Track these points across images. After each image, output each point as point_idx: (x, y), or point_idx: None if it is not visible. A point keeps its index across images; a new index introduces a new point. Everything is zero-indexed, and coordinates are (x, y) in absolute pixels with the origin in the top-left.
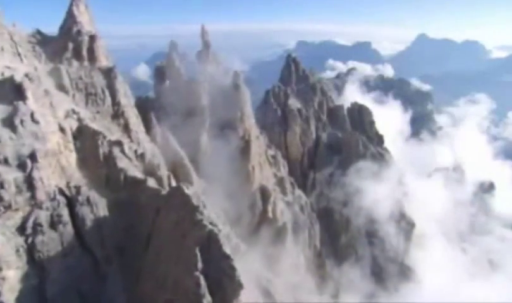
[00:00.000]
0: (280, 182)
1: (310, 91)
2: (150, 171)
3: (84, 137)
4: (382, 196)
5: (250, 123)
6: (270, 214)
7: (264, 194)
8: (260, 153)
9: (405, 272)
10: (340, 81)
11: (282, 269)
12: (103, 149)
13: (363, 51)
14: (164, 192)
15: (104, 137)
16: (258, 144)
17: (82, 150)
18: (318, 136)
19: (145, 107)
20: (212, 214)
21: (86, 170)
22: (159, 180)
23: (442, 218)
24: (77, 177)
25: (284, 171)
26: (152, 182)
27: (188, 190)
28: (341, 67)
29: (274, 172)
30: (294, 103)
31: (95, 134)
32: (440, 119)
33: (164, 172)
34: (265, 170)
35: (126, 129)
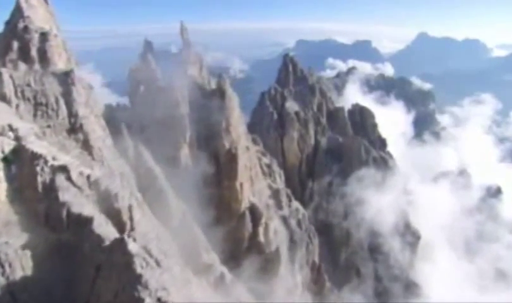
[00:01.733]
0: (275, 195)
1: (308, 93)
2: (106, 202)
3: (20, 162)
4: (385, 207)
5: (238, 133)
6: (261, 238)
7: (254, 214)
8: (252, 166)
9: (411, 288)
10: (340, 81)
11: (276, 296)
12: (43, 178)
13: (363, 50)
14: (106, 242)
15: (46, 161)
16: (248, 156)
17: (17, 178)
18: (317, 140)
19: (115, 117)
20: (165, 277)
21: (21, 204)
22: (116, 215)
23: (448, 225)
24: (5, 214)
25: (280, 181)
26: (101, 221)
27: (132, 246)
28: (341, 65)
29: (269, 183)
30: (291, 105)
31: (34, 157)
32: (443, 119)
33: (123, 203)
34: (257, 183)
35: (86, 145)
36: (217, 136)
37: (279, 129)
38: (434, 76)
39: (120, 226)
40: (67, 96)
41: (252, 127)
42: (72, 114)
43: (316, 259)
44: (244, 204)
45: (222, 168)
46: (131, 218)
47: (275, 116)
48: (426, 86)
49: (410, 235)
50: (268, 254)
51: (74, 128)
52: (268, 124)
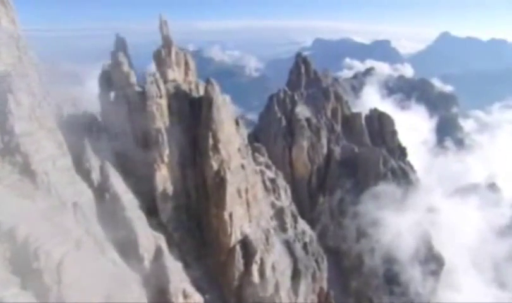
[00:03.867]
0: (278, 214)
1: (321, 97)
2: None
3: None
4: (405, 229)
5: (230, 151)
6: (255, 279)
7: (247, 250)
8: (249, 187)
9: None
10: (357, 82)
11: None
12: None
13: (381, 50)
14: None
15: None
16: (245, 176)
17: None
18: (330, 150)
19: (78, 130)
20: None
21: None
22: (37, 276)
23: (475, 247)
24: None
25: (285, 198)
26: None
27: None
28: (359, 66)
29: (272, 200)
30: (302, 110)
31: None
32: (466, 125)
33: (49, 261)
34: (256, 206)
35: (26, 170)
36: (203, 155)
37: (288, 136)
38: (456, 78)
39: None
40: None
41: (258, 134)
42: (6, 131)
43: (325, 285)
44: (235, 238)
45: (209, 193)
46: (58, 281)
47: (284, 122)
48: (448, 88)
49: (433, 262)
50: (264, 299)
51: (10, 149)
52: (275, 130)
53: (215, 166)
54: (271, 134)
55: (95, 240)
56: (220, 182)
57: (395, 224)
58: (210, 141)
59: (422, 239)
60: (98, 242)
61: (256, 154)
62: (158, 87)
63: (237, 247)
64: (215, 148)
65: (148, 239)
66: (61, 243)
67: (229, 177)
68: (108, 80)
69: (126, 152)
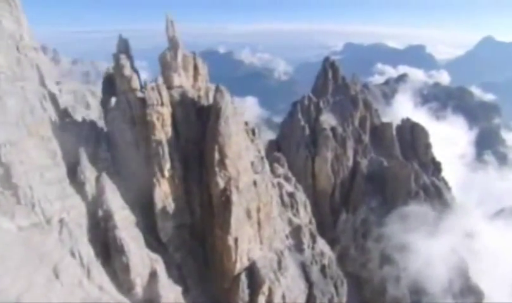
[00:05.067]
0: (295, 233)
1: (349, 104)
2: None
3: None
4: (437, 255)
5: (239, 167)
6: None
7: (253, 279)
8: (262, 206)
9: None
10: (389, 88)
11: None
12: None
13: (416, 55)
14: None
15: None
16: (257, 194)
17: None
18: (356, 162)
19: (76, 138)
20: None
21: None
22: None
23: None
24: None
25: (304, 214)
26: None
27: None
28: (391, 71)
29: (290, 217)
30: (327, 119)
31: None
32: (510, 137)
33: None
34: (268, 226)
35: (7, 183)
36: (209, 171)
37: (311, 146)
38: (498, 86)
39: None
40: None
41: (280, 142)
42: None
43: None
44: (241, 265)
45: (215, 212)
46: None
47: (307, 131)
48: (489, 96)
49: (470, 295)
50: None
51: None
52: (298, 139)
53: (221, 184)
54: (293, 143)
55: (80, 262)
56: (226, 202)
57: (426, 250)
58: (216, 156)
59: (457, 268)
60: (84, 264)
61: (276, 165)
62: (159, 94)
63: (243, 276)
64: (222, 164)
65: (143, 262)
66: (31, 273)
67: (235, 198)
68: (112, 84)
69: (127, 163)
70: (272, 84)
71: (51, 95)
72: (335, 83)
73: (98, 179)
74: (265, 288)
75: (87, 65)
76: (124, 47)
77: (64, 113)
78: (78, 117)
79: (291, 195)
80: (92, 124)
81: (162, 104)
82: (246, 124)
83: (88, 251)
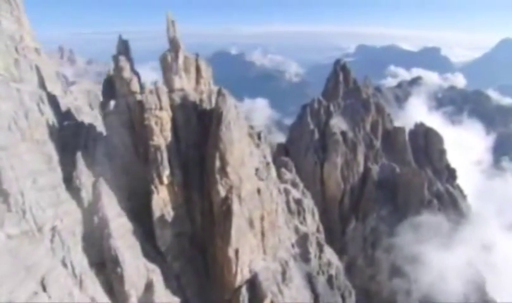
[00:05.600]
0: (302, 242)
1: (360, 108)
2: None
3: None
4: (451, 268)
5: (242, 174)
6: None
7: (255, 292)
8: (266, 214)
9: None
10: (402, 91)
11: None
12: None
13: (430, 57)
14: None
15: None
16: (260, 202)
17: None
18: (366, 168)
19: (69, 142)
20: None
21: None
22: None
23: None
24: None
25: (311, 222)
26: None
27: None
28: (404, 74)
29: (296, 225)
30: (338, 123)
31: None
32: None
33: None
34: (273, 236)
35: None
36: (210, 178)
37: (320, 151)
38: None
39: None
40: None
41: (288, 146)
42: None
43: None
44: (241, 277)
45: (216, 221)
46: None
47: (317, 135)
48: (507, 100)
49: None
50: None
51: None
52: (307, 143)
53: (222, 192)
54: (302, 147)
55: (72, 272)
56: (227, 212)
57: (439, 262)
58: (217, 163)
59: (473, 282)
60: (76, 274)
61: (283, 170)
62: (158, 97)
63: (243, 290)
64: (223, 171)
65: (139, 272)
66: (15, 286)
67: (236, 207)
68: (112, 87)
69: (126, 168)
70: (283, 85)
71: (51, 97)
72: (346, 86)
73: (94, 185)
74: (267, 301)
75: (101, 66)
76: (123, 49)
77: (65, 116)
78: (86, 118)
79: (298, 202)
80: (91, 127)
81: (161, 108)
82: (251, 128)
83: (81, 260)
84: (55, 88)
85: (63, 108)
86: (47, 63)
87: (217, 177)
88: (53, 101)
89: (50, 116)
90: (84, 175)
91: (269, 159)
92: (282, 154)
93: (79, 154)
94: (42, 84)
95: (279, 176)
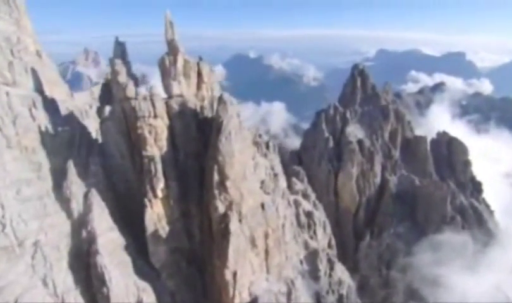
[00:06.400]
0: (311, 258)
1: (379, 115)
2: None
3: None
4: (476, 293)
5: (244, 188)
6: None
7: None
8: (271, 231)
9: None
10: (423, 98)
11: None
12: None
13: (454, 62)
14: None
15: None
16: (264, 218)
17: None
18: (384, 180)
19: (62, 150)
20: None
21: None
22: None
23: None
24: None
25: (322, 236)
26: None
27: None
28: (426, 79)
29: (305, 239)
30: (354, 131)
31: None
32: None
33: None
34: (278, 253)
35: None
36: (208, 193)
37: (334, 160)
38: None
39: None
40: None
41: (301, 154)
42: None
43: None
44: (241, 300)
45: (215, 238)
46: None
47: (331, 143)
48: None
49: None
50: None
51: None
52: (321, 152)
53: (220, 208)
54: (315, 156)
55: (54, 292)
56: (224, 231)
57: (461, 286)
58: (216, 177)
59: None
60: (58, 294)
61: (294, 180)
62: (153, 104)
63: None
64: (222, 186)
65: (128, 291)
66: None
67: (234, 227)
68: (110, 91)
69: (121, 177)
70: (301, 89)
71: (48, 101)
72: (364, 92)
73: (86, 195)
74: None
75: None
76: (120, 52)
77: (66, 120)
78: (92, 122)
79: (309, 214)
80: (86, 133)
81: (156, 116)
82: (259, 136)
83: (64, 278)
84: (58, 92)
85: (65, 112)
86: (49, 66)
87: (216, 192)
88: (51, 105)
89: (43, 121)
90: (75, 185)
91: (278, 169)
92: (294, 162)
93: (70, 163)
94: (39, 88)
95: (289, 186)
